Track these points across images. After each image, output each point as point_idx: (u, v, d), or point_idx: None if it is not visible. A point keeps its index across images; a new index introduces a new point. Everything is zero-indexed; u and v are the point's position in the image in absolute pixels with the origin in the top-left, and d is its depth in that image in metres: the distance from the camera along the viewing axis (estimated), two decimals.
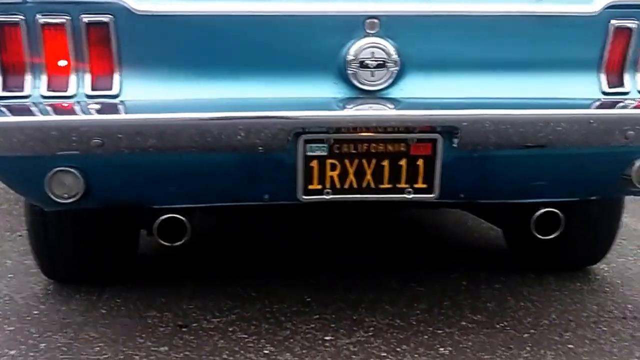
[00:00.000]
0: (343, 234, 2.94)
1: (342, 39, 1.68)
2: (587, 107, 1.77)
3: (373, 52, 1.68)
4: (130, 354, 1.90)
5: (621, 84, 1.81)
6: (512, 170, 1.79)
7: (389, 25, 1.68)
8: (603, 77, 1.79)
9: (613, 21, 1.74)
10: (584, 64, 1.78)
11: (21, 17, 1.61)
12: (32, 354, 1.90)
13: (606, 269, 2.53)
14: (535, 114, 1.71)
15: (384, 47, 1.68)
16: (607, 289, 2.37)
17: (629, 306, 2.24)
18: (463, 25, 1.73)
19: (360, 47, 1.67)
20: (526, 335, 2.02)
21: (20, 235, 2.77)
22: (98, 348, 1.93)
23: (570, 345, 1.96)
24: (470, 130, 1.67)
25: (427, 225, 3.07)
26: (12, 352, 1.91)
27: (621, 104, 1.78)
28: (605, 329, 2.07)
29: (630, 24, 1.75)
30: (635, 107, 1.78)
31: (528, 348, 1.94)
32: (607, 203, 2.26)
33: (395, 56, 1.68)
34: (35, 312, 2.16)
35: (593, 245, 2.40)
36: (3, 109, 1.61)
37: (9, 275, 2.45)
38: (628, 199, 2.35)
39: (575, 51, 1.77)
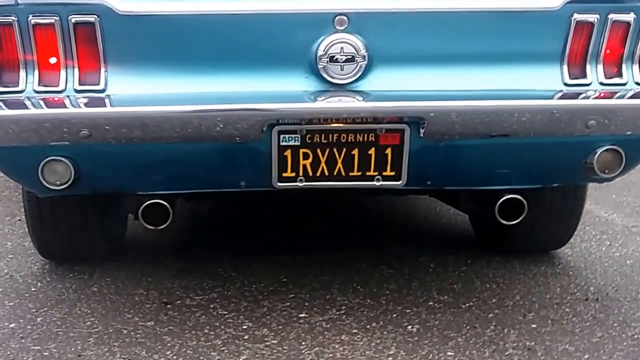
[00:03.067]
0: (316, 219, 3.01)
1: (312, 35, 1.73)
2: (550, 98, 1.80)
3: (342, 47, 1.73)
4: (119, 328, 2.01)
5: (583, 76, 1.83)
6: (477, 159, 1.85)
7: (357, 21, 1.73)
8: (565, 69, 1.82)
9: (575, 15, 1.78)
10: (547, 57, 1.81)
11: (14, 18, 1.69)
12: (29, 327, 2.02)
13: (570, 253, 2.60)
14: (499, 105, 1.75)
15: (352, 42, 1.73)
16: (571, 272, 2.44)
17: (591, 288, 2.31)
18: (429, 21, 1.78)
19: (330, 43, 1.73)
20: (491, 315, 2.09)
21: (19, 220, 2.89)
22: (89, 322, 2.05)
23: (533, 325, 2.03)
24: (437, 120, 1.73)
25: (397, 211, 3.14)
26: (12, 325, 2.03)
27: (583, 95, 1.81)
28: (567, 310, 2.13)
29: (591, 18, 1.79)
30: (597, 98, 1.80)
31: (492, 327, 2.02)
32: (570, 190, 2.32)
33: (363, 51, 1.73)
34: (33, 289, 2.28)
35: (557, 231, 2.45)
36: None
37: (9, 256, 2.57)
38: (591, 186, 2.42)
39: (539, 45, 1.80)
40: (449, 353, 1.88)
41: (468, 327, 2.02)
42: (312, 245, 2.67)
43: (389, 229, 2.94)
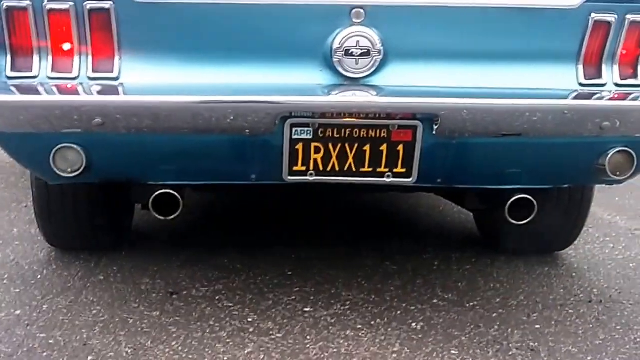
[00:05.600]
0: (321, 213, 3.01)
1: (328, 27, 1.72)
2: (563, 98, 1.78)
3: (358, 41, 1.72)
4: (125, 317, 2.01)
5: (598, 76, 1.82)
6: (489, 158, 1.84)
7: (374, 15, 1.72)
8: (581, 69, 1.81)
9: (593, 15, 1.76)
10: (563, 56, 1.80)
11: (29, 2, 1.68)
12: (35, 314, 2.02)
13: (573, 255, 2.60)
14: (511, 104, 1.73)
15: (368, 36, 1.72)
16: (574, 274, 2.44)
17: (595, 291, 2.31)
18: (446, 17, 1.76)
19: (346, 36, 1.71)
20: (495, 314, 2.10)
21: (25, 206, 2.89)
22: (95, 311, 2.05)
23: (537, 326, 2.04)
24: (449, 118, 1.71)
25: (401, 208, 3.14)
26: (18, 312, 2.03)
27: (597, 96, 1.79)
28: (571, 311, 2.14)
29: (609, 17, 1.78)
30: (611, 99, 1.78)
31: (496, 327, 2.02)
32: (577, 191, 2.33)
33: (379, 45, 1.72)
34: (39, 276, 2.28)
35: (562, 232, 2.45)
36: (12, 88, 1.69)
37: (16, 243, 2.57)
38: (596, 189, 2.40)
39: (555, 43, 1.79)
40: (453, 352, 1.89)
41: (472, 327, 2.03)
42: (317, 239, 2.67)
43: (392, 225, 2.94)
